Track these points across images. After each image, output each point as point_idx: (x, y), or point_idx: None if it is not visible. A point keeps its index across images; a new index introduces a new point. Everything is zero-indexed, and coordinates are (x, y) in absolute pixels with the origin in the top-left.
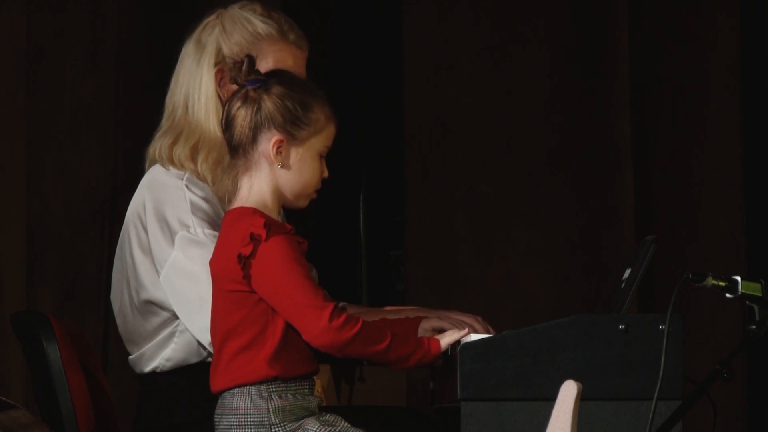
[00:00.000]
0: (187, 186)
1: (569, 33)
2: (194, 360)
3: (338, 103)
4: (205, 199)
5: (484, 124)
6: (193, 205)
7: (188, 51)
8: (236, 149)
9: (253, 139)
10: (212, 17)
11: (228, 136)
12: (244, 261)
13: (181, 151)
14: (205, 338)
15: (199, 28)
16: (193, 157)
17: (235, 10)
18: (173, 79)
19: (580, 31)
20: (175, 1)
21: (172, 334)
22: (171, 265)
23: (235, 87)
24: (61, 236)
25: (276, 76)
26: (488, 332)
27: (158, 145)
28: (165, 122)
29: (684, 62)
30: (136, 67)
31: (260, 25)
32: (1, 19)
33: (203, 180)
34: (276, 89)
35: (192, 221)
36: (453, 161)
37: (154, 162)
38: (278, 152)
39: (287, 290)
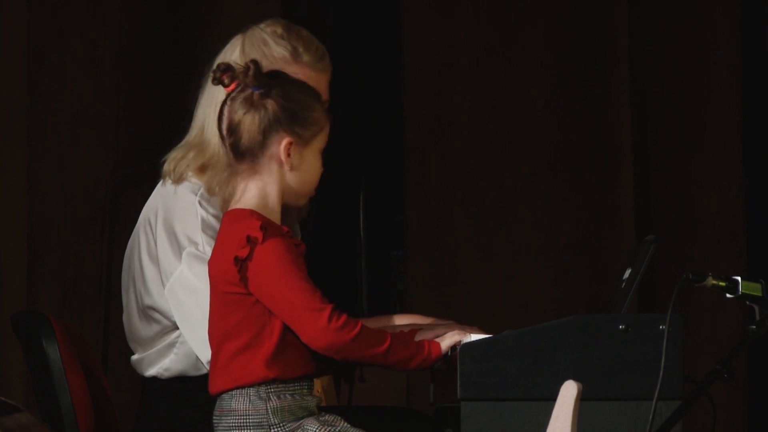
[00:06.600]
0: (200, 203)
1: (569, 33)
2: (192, 373)
3: (338, 103)
4: (216, 217)
5: (484, 124)
6: (204, 222)
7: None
8: (243, 154)
9: (263, 143)
10: (238, 36)
11: (233, 141)
12: (241, 263)
13: (186, 165)
14: (205, 355)
15: (227, 46)
16: (202, 173)
17: (256, 31)
18: (199, 96)
19: (580, 31)
20: (175, 1)
21: (172, 345)
22: (177, 279)
23: None
24: (61, 236)
25: (275, 78)
26: None
27: (170, 156)
28: (186, 136)
29: (684, 62)
30: (136, 67)
31: (274, 48)
32: (1, 19)
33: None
34: (278, 92)
35: (201, 239)
36: (453, 161)
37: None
38: (288, 154)
39: (284, 292)
